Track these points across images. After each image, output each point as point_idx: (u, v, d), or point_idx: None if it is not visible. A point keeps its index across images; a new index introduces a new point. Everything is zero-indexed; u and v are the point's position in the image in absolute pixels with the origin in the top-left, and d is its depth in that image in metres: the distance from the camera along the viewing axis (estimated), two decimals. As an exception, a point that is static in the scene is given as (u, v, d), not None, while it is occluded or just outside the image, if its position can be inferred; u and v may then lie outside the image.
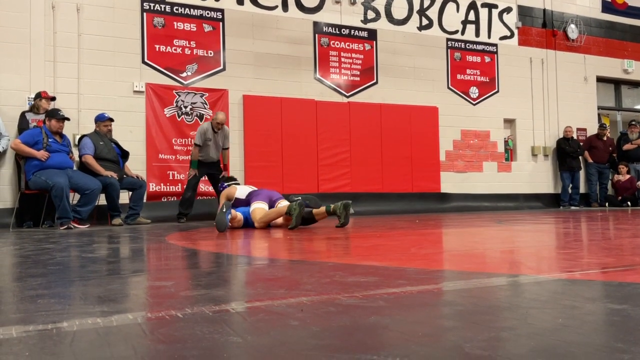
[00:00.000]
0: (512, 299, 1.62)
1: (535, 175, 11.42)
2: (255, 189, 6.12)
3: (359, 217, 8.31)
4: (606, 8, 12.42)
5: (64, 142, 6.78)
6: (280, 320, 1.35)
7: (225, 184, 6.50)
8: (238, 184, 6.53)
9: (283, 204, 5.60)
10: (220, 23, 8.87)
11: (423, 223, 6.21)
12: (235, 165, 8.49)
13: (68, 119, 6.88)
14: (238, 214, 5.56)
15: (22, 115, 7.17)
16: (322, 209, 5.44)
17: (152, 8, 8.40)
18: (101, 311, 1.50)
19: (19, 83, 7.46)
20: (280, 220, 5.56)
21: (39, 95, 7.15)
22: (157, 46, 8.39)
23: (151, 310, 1.51)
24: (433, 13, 10.62)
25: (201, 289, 1.86)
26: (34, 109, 7.18)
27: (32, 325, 1.34)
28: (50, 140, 6.54)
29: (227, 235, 4.68)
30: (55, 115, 6.63)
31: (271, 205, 5.65)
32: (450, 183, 10.47)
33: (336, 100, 9.62)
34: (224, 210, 5.12)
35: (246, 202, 5.80)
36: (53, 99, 7.32)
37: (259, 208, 5.53)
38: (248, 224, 5.64)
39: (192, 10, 8.67)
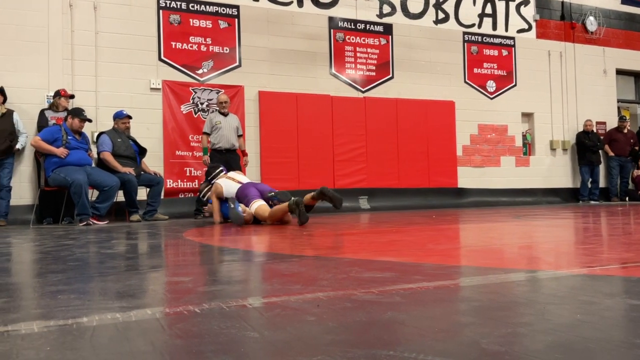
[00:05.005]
0: (529, 294, 1.61)
1: (553, 170, 11.30)
2: (239, 183, 6.00)
3: (375, 212, 8.30)
4: (626, -1, 12.24)
5: (83, 139, 6.86)
6: (296, 316, 1.35)
7: (209, 177, 6.37)
8: (222, 170, 6.38)
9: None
10: (236, 19, 8.89)
11: (440, 218, 6.18)
12: (252, 161, 8.50)
13: (90, 121, 6.98)
14: (246, 208, 5.60)
15: (41, 113, 7.25)
16: (308, 197, 5.44)
17: (168, 5, 8.44)
18: (120, 306, 1.52)
19: (38, 81, 7.55)
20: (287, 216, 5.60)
21: (58, 94, 7.23)
22: (173, 43, 8.44)
23: (169, 306, 1.53)
24: (449, 7, 10.54)
25: (218, 285, 1.87)
26: (53, 106, 7.26)
27: (53, 321, 1.36)
28: (69, 137, 6.61)
29: (243, 232, 4.70)
30: (79, 114, 6.72)
31: (263, 198, 5.68)
32: (468, 178, 10.40)
33: (352, 96, 9.60)
34: (232, 206, 5.36)
35: (240, 199, 5.77)
36: (72, 96, 7.40)
37: (263, 205, 5.55)
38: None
39: (207, 7, 8.70)
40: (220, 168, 6.44)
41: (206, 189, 6.57)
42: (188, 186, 8.35)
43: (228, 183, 6.01)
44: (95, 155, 7.12)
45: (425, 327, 1.22)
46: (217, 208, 6.00)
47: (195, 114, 8.48)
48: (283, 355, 1.03)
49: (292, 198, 5.28)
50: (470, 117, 10.51)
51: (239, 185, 5.94)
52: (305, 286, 1.78)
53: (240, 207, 5.49)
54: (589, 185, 11.15)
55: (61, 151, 6.47)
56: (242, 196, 5.72)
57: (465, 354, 1.01)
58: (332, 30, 9.56)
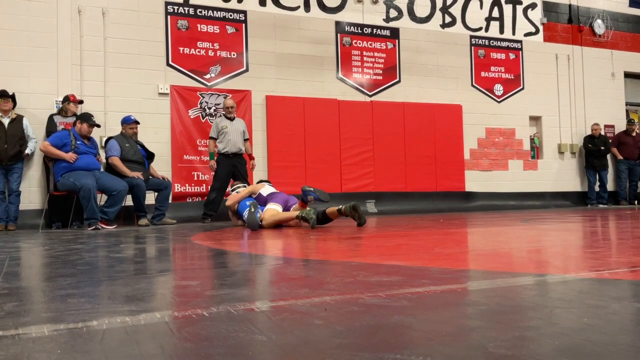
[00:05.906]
0: (536, 298, 1.61)
1: (562, 173, 11.26)
2: (276, 191, 6.25)
3: (382, 216, 8.30)
4: (634, 2, 12.18)
5: (92, 144, 6.90)
6: (304, 320, 1.36)
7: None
8: (270, 184, 6.75)
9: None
10: (243, 24, 8.93)
11: (447, 222, 6.17)
12: (259, 165, 8.53)
13: (99, 126, 7.02)
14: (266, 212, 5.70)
15: (50, 118, 7.31)
16: (334, 209, 5.52)
17: (176, 11, 8.49)
18: (129, 310, 1.53)
19: (47, 86, 7.61)
20: (293, 221, 5.65)
21: (67, 99, 7.28)
22: (181, 48, 8.49)
23: (178, 309, 1.54)
24: (456, 10, 10.54)
25: (226, 288, 1.88)
26: (62, 112, 7.31)
27: (63, 324, 1.37)
28: (78, 142, 6.65)
29: (251, 236, 4.71)
30: (88, 120, 6.76)
31: (286, 209, 5.81)
32: (475, 182, 10.38)
33: (359, 100, 9.61)
34: (252, 210, 5.43)
35: (264, 201, 5.98)
36: (81, 102, 7.45)
37: (271, 208, 5.68)
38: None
39: (215, 12, 8.74)
40: (269, 183, 6.85)
41: (239, 184, 6.81)
42: (196, 190, 8.38)
43: (269, 188, 6.31)
44: (104, 160, 7.16)
45: (432, 331, 1.22)
46: (240, 198, 6.19)
47: (203, 118, 8.52)
48: (290, 359, 1.04)
49: (347, 204, 5.42)
50: (477, 121, 10.50)
51: (274, 191, 6.22)
52: (312, 290, 1.79)
53: (259, 214, 5.60)
54: (597, 189, 11.10)
55: (70, 156, 6.51)
56: (270, 197, 5.96)
57: (472, 358, 1.01)
58: (339, 34, 9.59)
